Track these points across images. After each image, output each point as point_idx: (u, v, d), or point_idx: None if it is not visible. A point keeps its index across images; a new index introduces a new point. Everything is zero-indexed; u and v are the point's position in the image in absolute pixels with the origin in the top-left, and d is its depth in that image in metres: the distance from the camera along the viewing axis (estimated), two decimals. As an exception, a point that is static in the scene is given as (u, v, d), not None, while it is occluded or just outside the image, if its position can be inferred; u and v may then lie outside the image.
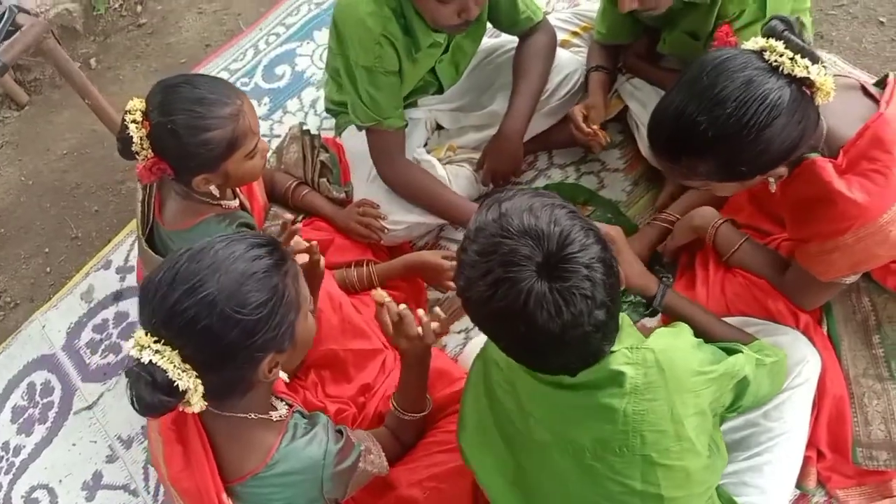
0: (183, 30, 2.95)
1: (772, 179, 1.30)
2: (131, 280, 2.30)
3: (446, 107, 2.13)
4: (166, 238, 1.64)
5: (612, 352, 1.13)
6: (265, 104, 2.57)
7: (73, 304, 2.30)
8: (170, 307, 1.06)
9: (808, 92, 1.18)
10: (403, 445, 1.50)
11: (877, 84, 1.38)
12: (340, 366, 1.65)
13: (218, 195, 1.62)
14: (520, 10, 1.92)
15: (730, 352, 1.27)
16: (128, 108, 1.46)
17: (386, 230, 1.94)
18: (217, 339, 1.07)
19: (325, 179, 2.05)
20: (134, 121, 1.44)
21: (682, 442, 1.15)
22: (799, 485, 1.50)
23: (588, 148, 2.07)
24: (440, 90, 2.07)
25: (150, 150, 1.46)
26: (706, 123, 1.18)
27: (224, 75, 2.70)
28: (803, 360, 1.40)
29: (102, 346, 2.20)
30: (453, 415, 1.51)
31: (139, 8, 3.06)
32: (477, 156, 2.07)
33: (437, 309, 1.46)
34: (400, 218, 1.95)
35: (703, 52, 1.74)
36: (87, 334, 2.23)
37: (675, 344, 1.20)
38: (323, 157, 2.08)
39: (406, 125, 1.91)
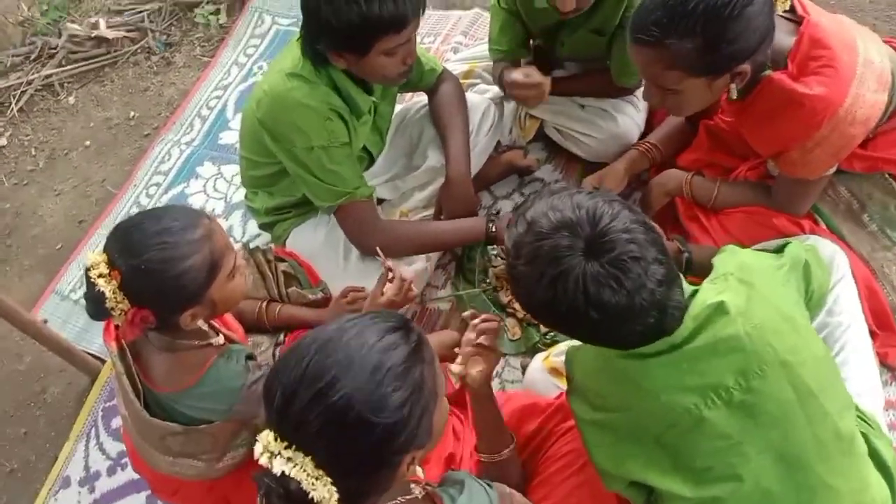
0: (45, 217, 2.71)
1: (733, 85, 1.41)
2: (103, 486, 2.00)
3: (381, 180, 2.12)
4: (170, 402, 1.45)
5: (695, 291, 1.17)
6: (178, 252, 2.40)
7: (41, 541, 1.94)
8: (301, 410, 0.93)
9: None
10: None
11: None
12: (414, 450, 1.53)
13: (207, 330, 1.47)
14: (423, 63, 1.98)
15: (777, 251, 1.35)
16: (88, 264, 1.30)
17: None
18: (355, 446, 0.95)
19: (293, 288, 1.94)
20: (100, 274, 1.28)
21: (800, 333, 1.19)
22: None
23: (525, 171, 2.16)
24: (370, 163, 2.06)
25: (125, 302, 1.29)
26: None
27: (114, 243, 2.50)
28: (833, 253, 1.52)
29: (100, 568, 1.86)
30: (562, 438, 1.45)
31: (-16, 213, 2.77)
32: (429, 212, 2.07)
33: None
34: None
35: (605, 48, 1.93)
36: (74, 564, 1.88)
37: (741, 258, 1.26)
38: (282, 266, 1.97)
39: (374, 191, 1.89)
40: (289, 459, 0.91)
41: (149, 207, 2.54)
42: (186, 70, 2.96)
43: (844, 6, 2.33)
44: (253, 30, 2.97)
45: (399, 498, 1.06)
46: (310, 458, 0.92)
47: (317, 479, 0.92)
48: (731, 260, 1.26)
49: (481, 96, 2.15)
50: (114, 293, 1.27)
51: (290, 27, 2.93)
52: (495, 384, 1.88)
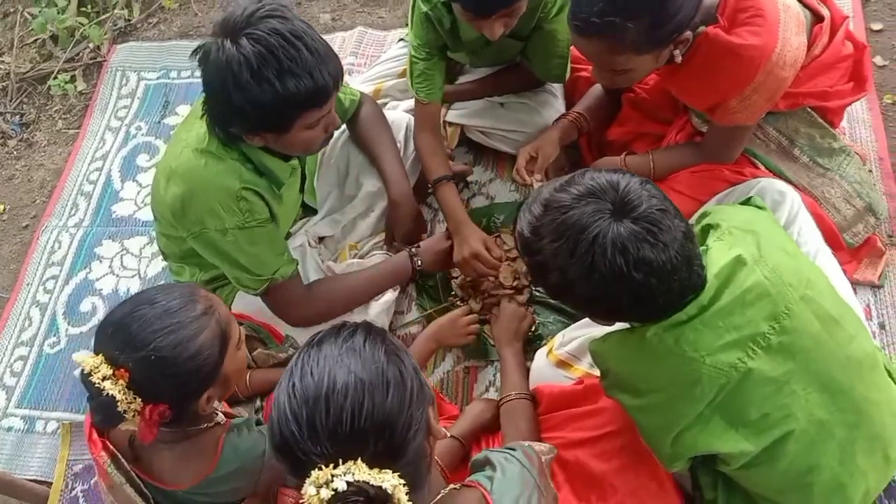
0: (-74, 343, 2.35)
1: (677, 52, 1.48)
2: None
3: (317, 218, 2.02)
4: (189, 497, 1.34)
5: (706, 249, 1.21)
6: (102, 344, 2.16)
7: None
8: (324, 425, 0.92)
9: None
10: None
11: None
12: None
13: (219, 411, 1.37)
14: (343, 100, 1.90)
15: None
16: (86, 369, 1.17)
17: (361, 349, 1.77)
18: (389, 424, 0.94)
19: (259, 350, 1.80)
20: (105, 377, 1.15)
21: (807, 266, 1.27)
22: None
23: (459, 177, 2.13)
24: (310, 213, 1.96)
25: (137, 401, 1.18)
26: None
27: (21, 351, 2.23)
28: (785, 189, 1.61)
29: None
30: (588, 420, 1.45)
31: None
32: (378, 239, 2.01)
33: None
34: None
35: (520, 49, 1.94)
36: None
37: (731, 212, 1.32)
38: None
39: (297, 264, 1.76)
40: (345, 473, 0.88)
41: (52, 305, 2.30)
42: (52, 147, 2.68)
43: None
44: (119, 91, 2.74)
45: (442, 491, 1.07)
46: (359, 459, 0.90)
47: (377, 473, 0.90)
48: (722, 216, 1.30)
49: (399, 112, 2.11)
50: (124, 394, 1.16)
51: (161, 80, 2.73)
52: (491, 393, 1.85)
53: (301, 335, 1.81)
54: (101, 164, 2.58)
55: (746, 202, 1.42)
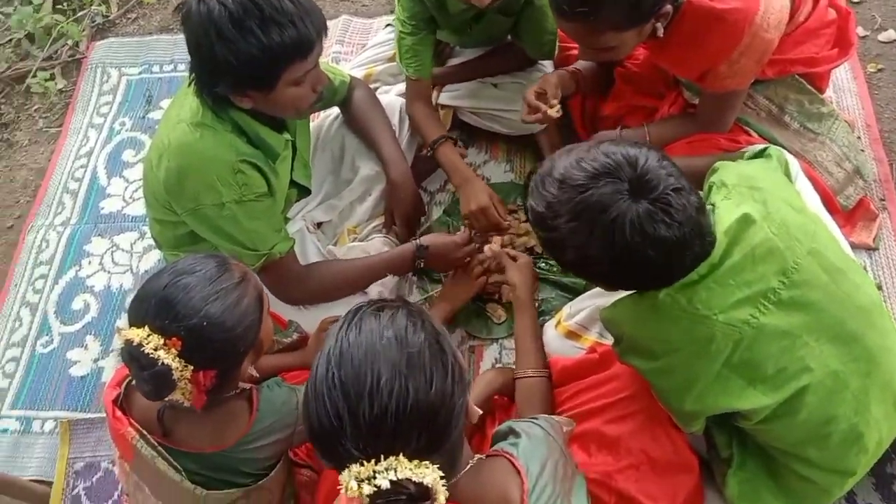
0: None
1: (659, 24, 1.51)
2: None
3: (314, 204, 2.01)
4: (228, 458, 1.34)
5: (713, 207, 1.23)
6: (100, 342, 2.13)
7: None
8: (367, 419, 0.90)
9: None
10: None
11: None
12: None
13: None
14: (332, 78, 1.88)
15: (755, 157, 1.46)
16: (135, 342, 1.17)
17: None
18: (432, 416, 0.92)
19: (262, 337, 1.79)
20: (156, 347, 1.17)
21: (812, 219, 1.30)
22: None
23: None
24: (304, 193, 1.94)
25: (189, 369, 1.20)
26: None
27: (13, 352, 2.18)
28: (782, 154, 1.63)
29: None
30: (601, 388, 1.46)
31: None
32: (377, 222, 2.00)
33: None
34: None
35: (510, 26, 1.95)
36: None
37: (739, 170, 1.34)
38: (243, 318, 1.81)
39: (294, 242, 1.75)
40: (387, 469, 0.87)
41: (41, 303, 2.25)
42: (34, 147, 2.62)
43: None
44: (100, 87, 2.69)
45: (470, 461, 1.06)
46: (400, 454, 0.89)
47: (417, 467, 0.88)
48: (729, 174, 1.32)
49: (391, 96, 2.10)
50: (178, 362, 1.19)
51: (143, 75, 2.69)
52: (498, 371, 1.85)
53: (305, 320, 1.80)
54: (86, 160, 2.53)
55: (761, 153, 1.45)
